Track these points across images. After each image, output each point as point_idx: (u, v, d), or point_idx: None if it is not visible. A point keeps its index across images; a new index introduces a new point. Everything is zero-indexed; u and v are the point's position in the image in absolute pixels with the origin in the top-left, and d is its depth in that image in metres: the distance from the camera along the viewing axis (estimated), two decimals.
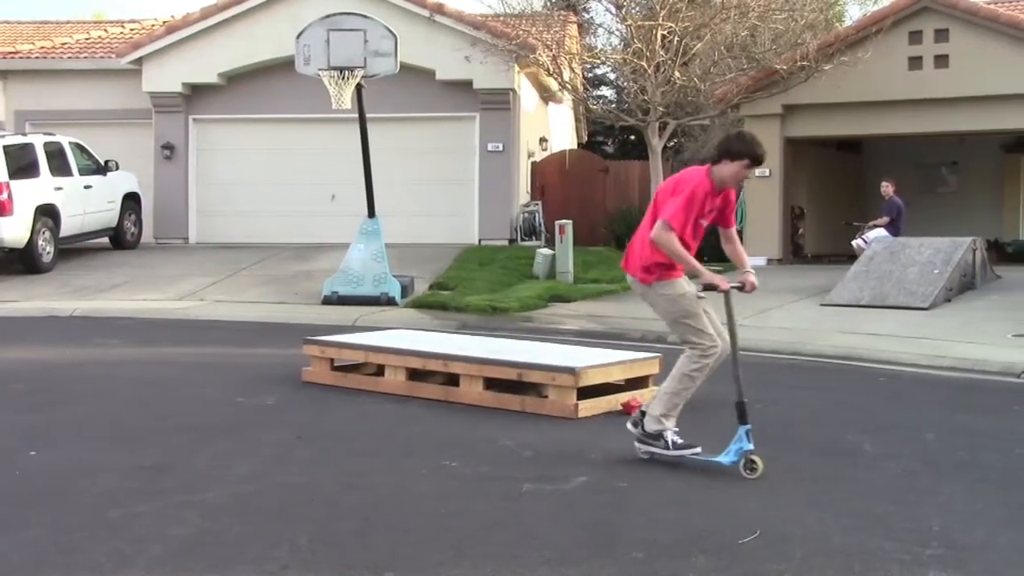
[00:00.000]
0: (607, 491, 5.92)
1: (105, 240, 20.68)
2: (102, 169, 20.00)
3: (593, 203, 23.21)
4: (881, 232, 17.93)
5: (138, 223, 21.45)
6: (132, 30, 24.53)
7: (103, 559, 4.75)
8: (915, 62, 20.66)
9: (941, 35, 20.46)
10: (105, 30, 24.96)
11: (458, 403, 8.43)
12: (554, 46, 20.32)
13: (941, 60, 20.47)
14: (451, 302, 15.36)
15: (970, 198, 25.06)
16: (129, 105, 22.62)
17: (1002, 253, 22.93)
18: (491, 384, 8.45)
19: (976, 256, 16.27)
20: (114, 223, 20.51)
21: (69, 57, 23.10)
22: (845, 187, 24.73)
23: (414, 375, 8.93)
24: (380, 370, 9.19)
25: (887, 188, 18.59)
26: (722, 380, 9.92)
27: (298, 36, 15.72)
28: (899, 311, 14.30)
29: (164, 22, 23.74)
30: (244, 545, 4.94)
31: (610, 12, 21.98)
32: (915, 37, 20.64)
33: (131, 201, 21.08)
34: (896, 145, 24.36)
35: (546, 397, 8.14)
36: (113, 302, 15.86)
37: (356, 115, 16.07)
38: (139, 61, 22.25)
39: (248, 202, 22.52)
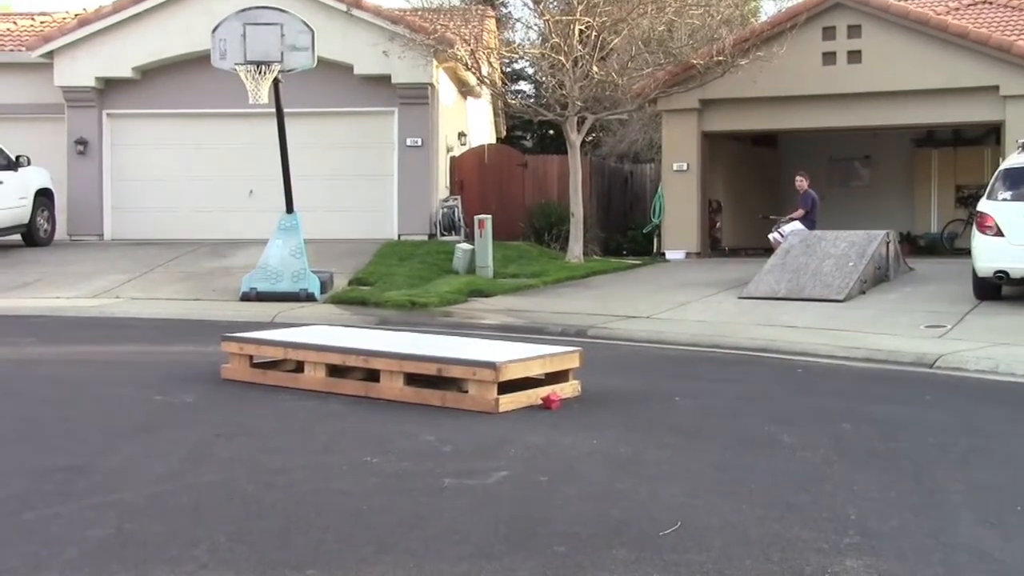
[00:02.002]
0: (528, 485, 5.93)
1: (17, 237, 20.29)
2: (13, 164, 19.61)
3: (512, 198, 23.25)
4: (797, 225, 18.18)
5: (51, 219, 21.06)
6: (43, 23, 24.05)
7: (17, 563, 4.66)
8: (829, 57, 20.97)
9: (854, 31, 20.79)
10: (14, 23, 24.44)
11: (378, 399, 8.40)
12: (472, 41, 20.32)
13: (854, 56, 20.80)
14: (371, 297, 15.32)
15: (883, 192, 25.51)
16: (40, 99, 22.21)
17: (914, 246, 23.39)
18: (412, 379, 8.42)
19: (889, 249, 16.57)
20: (26, 220, 20.10)
21: None
22: (761, 181, 25.05)
23: (334, 371, 8.88)
24: (300, 367, 9.12)
25: (801, 182, 18.85)
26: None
27: (214, 30, 15.54)
28: (815, 303, 14.51)
29: (76, 15, 23.33)
30: (162, 545, 4.88)
31: (528, 7, 22.03)
32: (828, 33, 20.95)
33: (44, 197, 20.68)
34: (811, 139, 24.71)
35: (467, 392, 8.13)
36: (25, 300, 15.58)
37: (274, 110, 15.94)
38: (50, 55, 21.88)
39: (164, 198, 22.23)
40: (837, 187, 25.20)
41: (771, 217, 20.21)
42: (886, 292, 15.38)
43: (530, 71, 32.45)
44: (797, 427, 7.58)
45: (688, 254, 21.97)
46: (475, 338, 10.86)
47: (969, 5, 22.64)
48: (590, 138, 26.20)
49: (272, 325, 12.89)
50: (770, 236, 18.66)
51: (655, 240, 23.05)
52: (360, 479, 6.05)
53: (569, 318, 13.82)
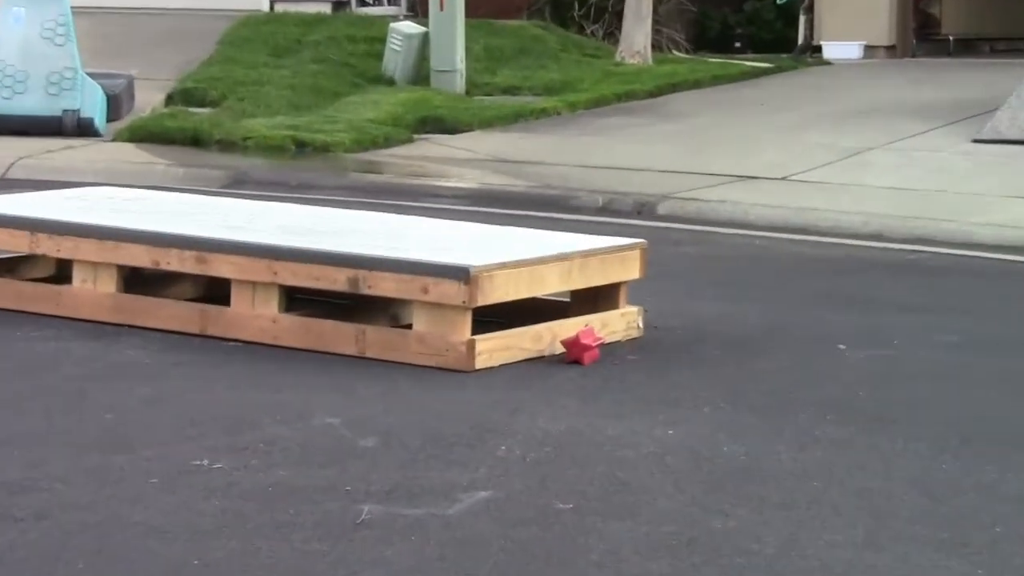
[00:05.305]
0: (530, 520, 5.92)
1: None
2: None
3: None
4: None
5: None
6: None
7: None
8: None
9: None
10: None
11: (228, 340, 8.45)
12: None
13: None
14: (212, 131, 15.32)
15: None
16: None
17: None
18: (297, 300, 8.45)
19: None
20: None
21: None
22: None
23: (134, 280, 8.90)
24: (64, 271, 9.15)
25: None
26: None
27: None
28: None
29: None
30: None
31: None
32: None
33: None
34: None
35: (410, 327, 8.16)
36: None
37: None
38: None
39: None
40: None
41: None
42: None
43: None
44: None
45: (868, 49, 21.96)
46: (427, 217, 10.84)
47: None
48: None
49: (6, 185, 12.89)
50: None
51: (801, 21, 23.01)
52: (185, 503, 6.04)
53: (620, 178, 13.82)
